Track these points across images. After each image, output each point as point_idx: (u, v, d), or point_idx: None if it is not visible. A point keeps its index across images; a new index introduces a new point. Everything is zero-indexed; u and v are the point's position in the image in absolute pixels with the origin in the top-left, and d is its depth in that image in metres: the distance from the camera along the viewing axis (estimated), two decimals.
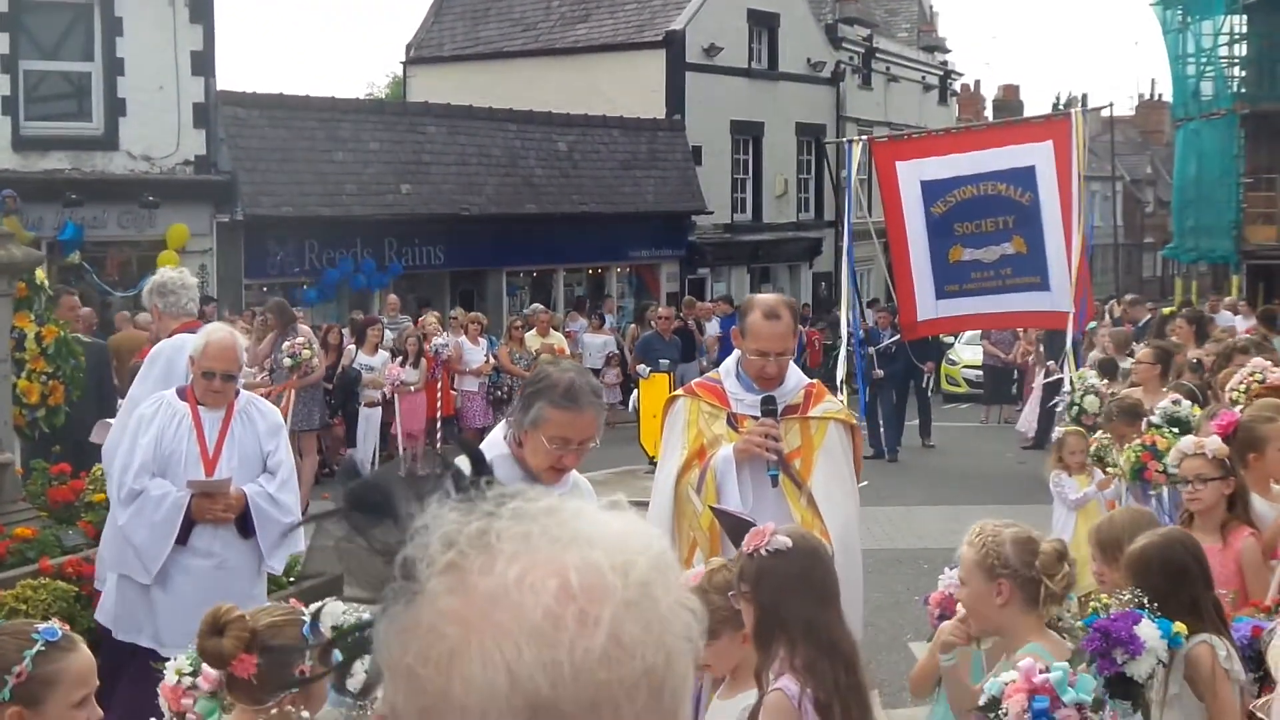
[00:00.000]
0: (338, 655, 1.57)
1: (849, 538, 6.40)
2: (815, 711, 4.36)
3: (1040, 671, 4.45)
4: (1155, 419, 9.56)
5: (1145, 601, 5.00)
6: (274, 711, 4.25)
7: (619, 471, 20.75)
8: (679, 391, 6.99)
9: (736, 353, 6.65)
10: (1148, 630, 4.88)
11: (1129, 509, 7.36)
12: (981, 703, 4.56)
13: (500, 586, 1.29)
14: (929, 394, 25.14)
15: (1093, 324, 20.69)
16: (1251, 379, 9.87)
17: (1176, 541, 5.58)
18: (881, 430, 22.85)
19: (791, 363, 6.65)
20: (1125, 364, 15.48)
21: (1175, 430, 9.21)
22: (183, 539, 7.26)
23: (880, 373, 22.69)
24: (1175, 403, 9.59)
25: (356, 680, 1.48)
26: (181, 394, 7.47)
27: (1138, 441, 9.95)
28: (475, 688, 1.27)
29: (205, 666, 4.46)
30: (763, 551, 4.61)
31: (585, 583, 1.29)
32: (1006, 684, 4.47)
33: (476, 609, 1.29)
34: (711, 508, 6.10)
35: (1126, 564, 5.50)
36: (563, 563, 1.30)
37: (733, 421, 6.48)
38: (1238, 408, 8.64)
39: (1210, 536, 6.50)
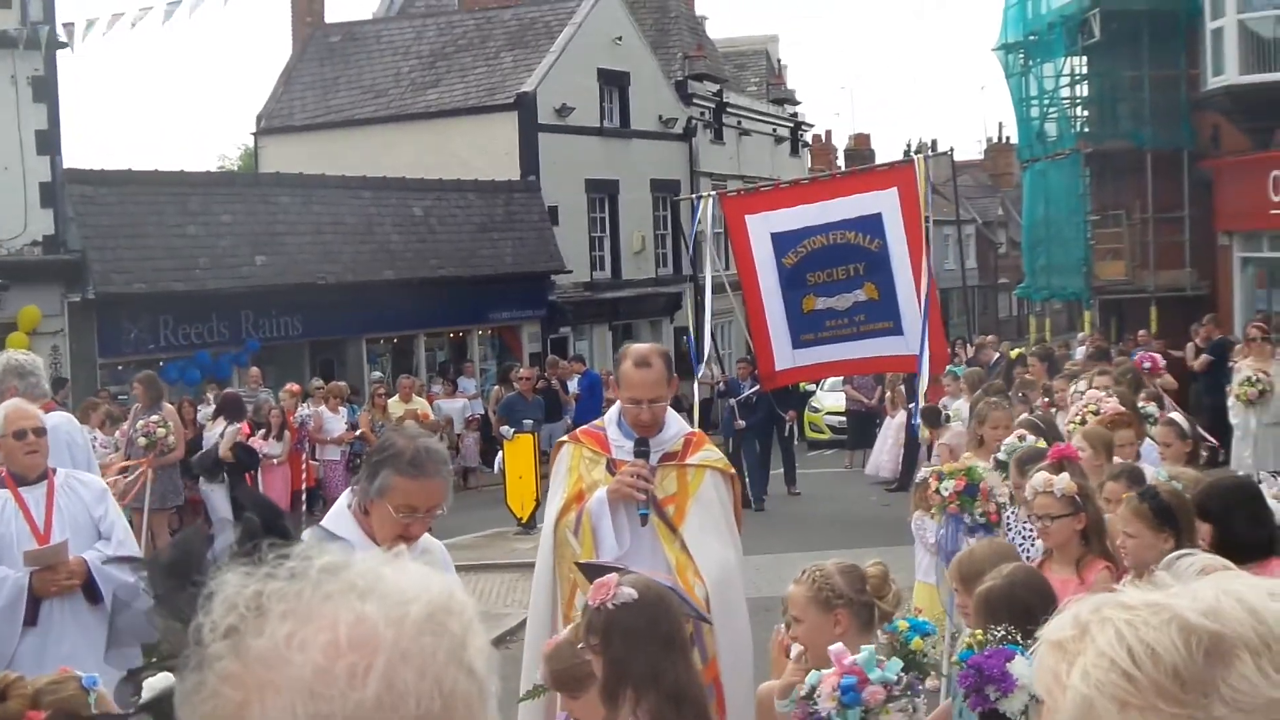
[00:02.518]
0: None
1: (726, 583, 6.47)
2: None
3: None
4: (1001, 455, 9.75)
5: (1018, 639, 5.06)
6: None
7: (487, 534, 20.77)
8: (564, 438, 7.09)
9: (619, 402, 6.78)
10: (1020, 667, 4.93)
11: (989, 541, 7.45)
12: (803, 692, 4.68)
13: (271, 647, 1.31)
14: (793, 442, 25.34)
15: (953, 368, 20.97)
16: (1087, 410, 10.19)
17: (1019, 582, 5.63)
18: (746, 479, 22.99)
19: (672, 411, 6.77)
20: (956, 404, 15.86)
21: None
22: (30, 619, 7.16)
23: (742, 423, 22.83)
24: (1020, 438, 9.79)
25: None
26: (0, 481, 7.41)
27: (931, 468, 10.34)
28: None
29: None
30: (609, 604, 4.65)
31: (354, 635, 1.31)
32: (825, 673, 4.61)
33: (251, 671, 1.31)
34: (578, 564, 6.16)
35: (975, 606, 5.61)
36: (333, 618, 1.32)
37: (611, 467, 6.60)
38: (1074, 439, 8.89)
39: (1066, 570, 6.59)
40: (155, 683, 3.50)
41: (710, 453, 6.87)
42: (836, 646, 4.76)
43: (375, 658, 1.31)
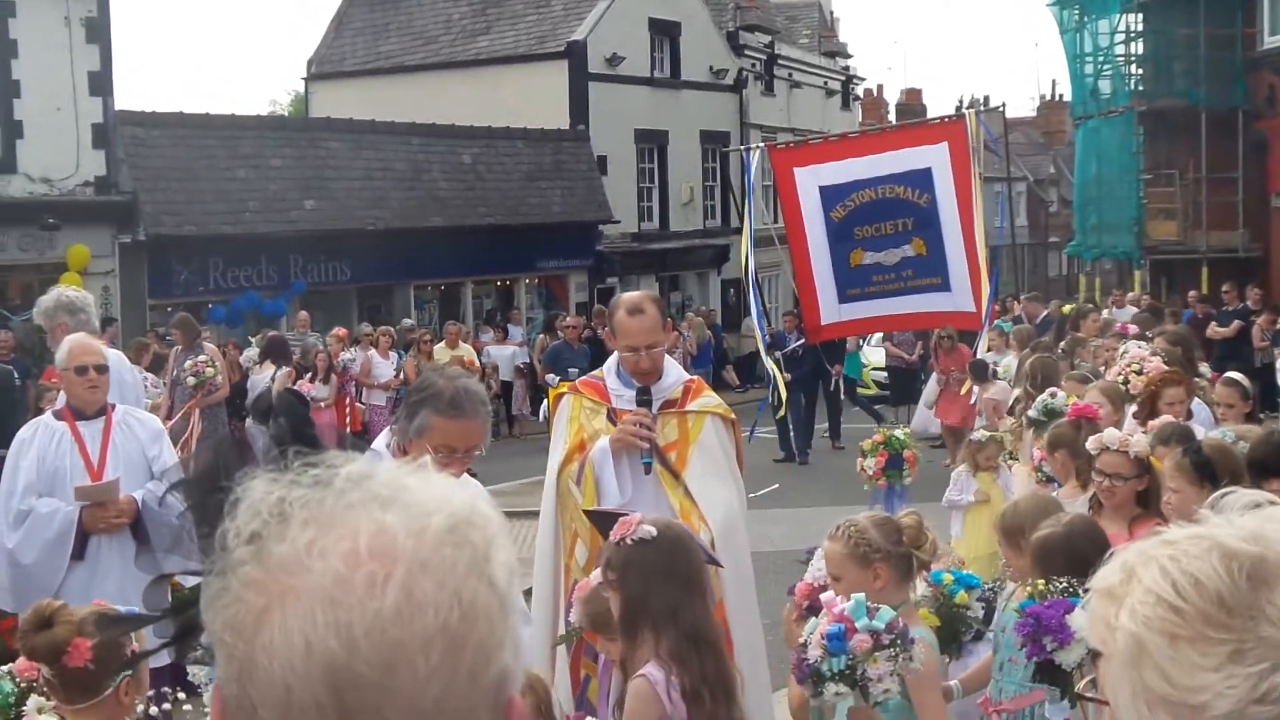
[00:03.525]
0: (171, 629, 1.62)
1: (730, 527, 6.50)
2: (682, 699, 4.43)
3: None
4: (1033, 413, 9.73)
5: (1079, 591, 5.00)
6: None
7: (530, 481, 20.81)
8: (563, 389, 7.11)
9: (617, 353, 6.80)
10: (1080, 619, 4.88)
11: (1032, 495, 7.40)
12: (801, 639, 4.70)
13: (293, 553, 1.32)
14: (838, 396, 25.30)
15: (999, 322, 20.95)
16: (1129, 369, 10.14)
17: (1078, 532, 5.60)
18: (791, 433, 22.98)
19: (670, 358, 6.80)
20: (1005, 360, 15.79)
21: (1046, 420, 9.42)
22: (78, 554, 7.24)
23: (788, 376, 22.78)
24: (1052, 394, 9.75)
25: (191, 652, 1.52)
26: (59, 415, 7.47)
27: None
28: (276, 654, 1.30)
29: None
30: (628, 540, 4.67)
31: (374, 545, 1.32)
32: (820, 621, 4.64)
33: (273, 576, 1.32)
34: (585, 511, 6.20)
35: (1031, 553, 5.57)
36: (354, 527, 1.33)
37: (612, 416, 6.63)
38: (1090, 394, 8.86)
39: (1117, 526, 6.46)
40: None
41: (710, 398, 6.91)
42: (827, 595, 4.77)
43: (394, 567, 1.31)
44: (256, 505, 1.36)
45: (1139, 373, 10.28)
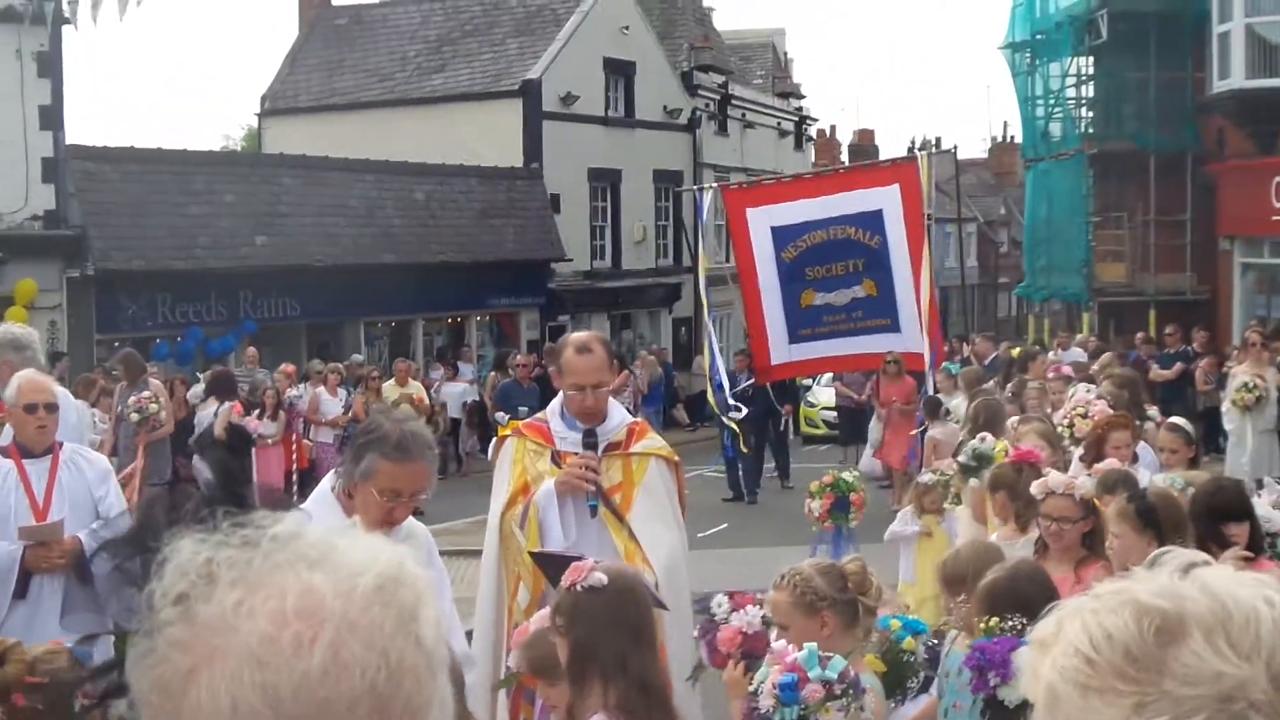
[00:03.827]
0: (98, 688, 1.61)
1: (674, 569, 6.53)
2: None
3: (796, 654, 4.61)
4: (963, 459, 9.74)
5: (1028, 631, 5.02)
6: None
7: (477, 520, 20.70)
8: (507, 431, 7.10)
9: (562, 393, 6.78)
10: (1025, 658, 4.91)
11: (973, 543, 7.43)
12: (752, 688, 4.68)
13: (219, 614, 1.32)
14: (788, 436, 25.32)
15: (947, 364, 21.04)
16: (1075, 413, 10.21)
17: (1024, 576, 5.67)
18: (741, 473, 22.98)
19: (614, 401, 6.82)
20: (954, 402, 15.84)
21: (975, 465, 9.43)
22: (20, 592, 7.17)
23: (739, 415, 22.77)
24: (982, 439, 9.78)
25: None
26: (5, 452, 7.40)
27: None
28: (203, 714, 1.29)
29: None
30: (578, 587, 4.65)
31: (301, 605, 1.31)
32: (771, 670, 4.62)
33: (200, 638, 1.32)
34: (531, 553, 6.19)
35: (978, 600, 5.59)
36: (281, 587, 1.33)
37: (556, 459, 6.65)
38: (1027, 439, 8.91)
39: (1064, 569, 6.52)
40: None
41: (654, 440, 6.96)
42: (779, 644, 4.77)
43: (321, 628, 1.31)
44: (184, 566, 1.36)
45: (1084, 416, 10.35)
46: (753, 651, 5.44)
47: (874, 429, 21.56)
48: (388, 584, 1.36)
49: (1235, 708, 1.42)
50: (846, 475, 11.45)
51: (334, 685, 1.29)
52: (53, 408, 7.43)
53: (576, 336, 6.88)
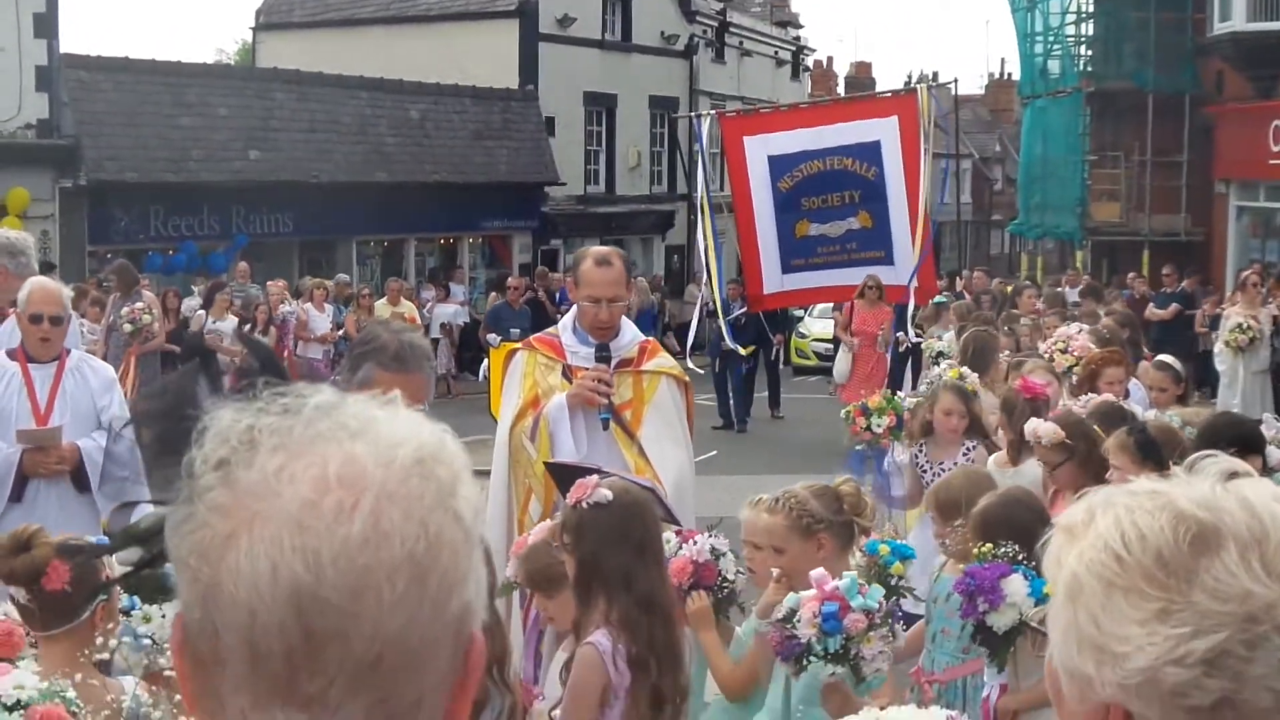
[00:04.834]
0: (140, 553, 1.61)
1: (682, 488, 6.53)
2: (629, 666, 4.42)
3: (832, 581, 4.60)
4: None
5: (1021, 558, 5.07)
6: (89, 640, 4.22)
7: (469, 440, 20.75)
8: (518, 345, 7.11)
9: (575, 308, 6.78)
10: (1015, 585, 4.97)
11: (964, 470, 7.51)
12: (780, 614, 4.67)
13: (260, 479, 1.32)
14: (779, 365, 25.35)
15: (941, 297, 21.01)
16: (1055, 348, 10.34)
17: (1016, 501, 5.71)
18: (731, 401, 23.03)
19: (626, 318, 6.79)
20: (947, 336, 15.82)
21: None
22: (16, 495, 7.19)
23: (730, 344, 22.79)
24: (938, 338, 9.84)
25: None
26: (12, 355, 7.40)
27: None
28: (242, 578, 1.30)
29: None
30: (584, 504, 4.66)
31: (343, 473, 1.32)
32: (804, 597, 4.61)
33: (240, 502, 1.32)
34: (546, 464, 6.19)
35: (972, 527, 5.60)
36: (323, 454, 1.33)
37: (568, 373, 6.64)
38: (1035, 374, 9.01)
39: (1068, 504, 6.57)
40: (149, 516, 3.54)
41: (664, 359, 6.95)
42: (818, 572, 4.74)
43: (362, 495, 1.32)
44: (224, 433, 1.36)
45: (1064, 350, 10.44)
46: (702, 581, 5.45)
47: (842, 359, 19.73)
48: (427, 458, 1.37)
49: (1259, 629, 1.44)
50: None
51: (374, 552, 1.30)
52: (58, 320, 7.40)
53: (596, 249, 6.87)
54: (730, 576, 5.42)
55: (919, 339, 17.52)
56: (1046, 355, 10.69)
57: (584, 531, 4.63)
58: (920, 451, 9.15)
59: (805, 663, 4.58)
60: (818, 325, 31.16)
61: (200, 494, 1.34)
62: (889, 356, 18.87)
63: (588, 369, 6.56)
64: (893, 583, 5.50)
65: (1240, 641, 1.44)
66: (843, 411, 11.54)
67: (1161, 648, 1.45)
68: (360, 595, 1.30)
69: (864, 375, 18.86)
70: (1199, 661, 1.44)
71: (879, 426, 10.72)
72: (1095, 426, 7.03)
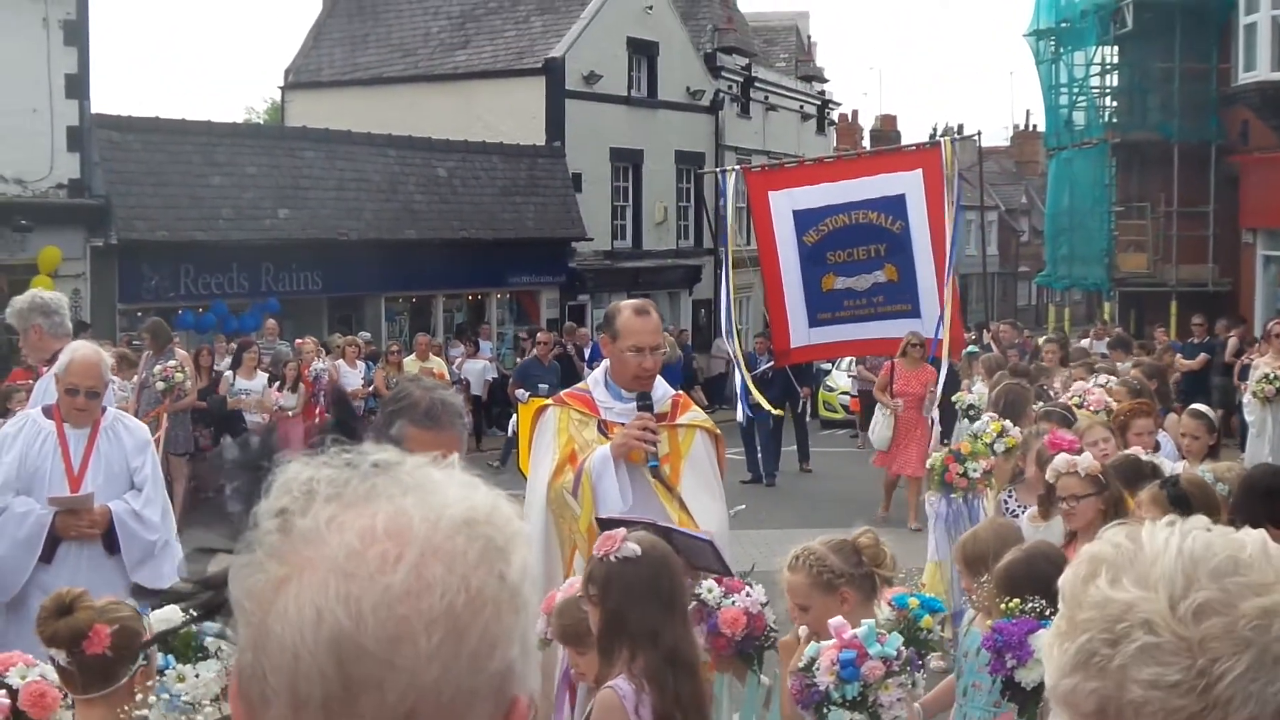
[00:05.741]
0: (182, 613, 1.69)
1: (722, 538, 6.50)
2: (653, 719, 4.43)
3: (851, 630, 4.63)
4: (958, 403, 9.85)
5: (1048, 614, 5.04)
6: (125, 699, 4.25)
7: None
8: (548, 401, 7.11)
9: (605, 363, 6.80)
10: (1042, 640, 4.91)
11: (992, 522, 7.49)
12: (801, 664, 4.69)
13: (313, 527, 1.39)
14: (806, 419, 25.34)
15: (971, 348, 20.98)
16: (1071, 401, 10.38)
17: (1040, 556, 5.69)
18: (759, 455, 23.02)
19: (659, 375, 6.82)
20: (977, 388, 15.81)
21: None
22: (47, 557, 7.22)
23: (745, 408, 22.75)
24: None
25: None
26: (48, 412, 7.44)
27: (945, 449, 10.50)
28: (289, 622, 1.36)
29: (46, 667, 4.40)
30: (612, 557, 4.68)
31: (390, 525, 1.39)
32: (823, 646, 4.63)
33: (294, 548, 1.39)
34: (599, 519, 6.17)
35: (997, 581, 5.61)
36: (374, 507, 1.40)
37: (603, 428, 6.64)
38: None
39: None
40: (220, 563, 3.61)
41: (697, 413, 6.99)
42: (836, 620, 4.77)
43: (406, 548, 1.38)
44: (288, 483, 1.45)
45: (1080, 405, 10.49)
46: (754, 632, 5.46)
47: (882, 424, 19.09)
48: (477, 519, 1.42)
49: (1120, 626, 1.60)
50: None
51: (414, 603, 1.35)
52: (94, 393, 7.39)
53: (631, 301, 6.92)
54: (775, 626, 5.46)
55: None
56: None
57: (611, 585, 4.64)
58: (1010, 497, 9.15)
59: (825, 711, 4.60)
60: (844, 379, 31.21)
61: (260, 540, 1.42)
62: (929, 419, 18.39)
63: (623, 424, 6.55)
64: (923, 636, 5.52)
65: (1102, 640, 1.60)
66: (929, 461, 11.51)
67: (1057, 662, 1.66)
68: (398, 644, 1.35)
69: (908, 438, 18.52)
70: (1072, 666, 1.63)
71: (975, 472, 10.70)
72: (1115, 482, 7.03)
